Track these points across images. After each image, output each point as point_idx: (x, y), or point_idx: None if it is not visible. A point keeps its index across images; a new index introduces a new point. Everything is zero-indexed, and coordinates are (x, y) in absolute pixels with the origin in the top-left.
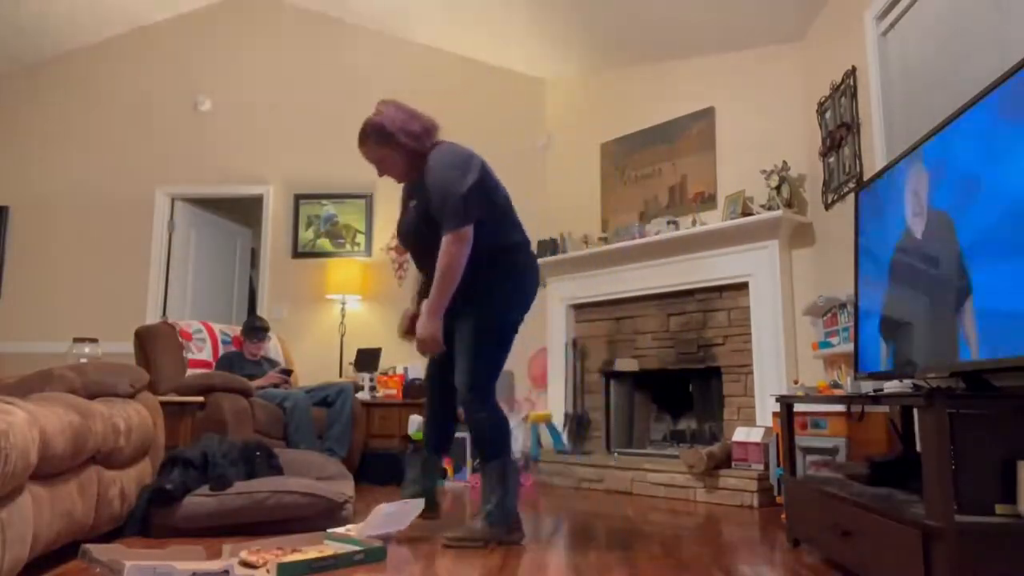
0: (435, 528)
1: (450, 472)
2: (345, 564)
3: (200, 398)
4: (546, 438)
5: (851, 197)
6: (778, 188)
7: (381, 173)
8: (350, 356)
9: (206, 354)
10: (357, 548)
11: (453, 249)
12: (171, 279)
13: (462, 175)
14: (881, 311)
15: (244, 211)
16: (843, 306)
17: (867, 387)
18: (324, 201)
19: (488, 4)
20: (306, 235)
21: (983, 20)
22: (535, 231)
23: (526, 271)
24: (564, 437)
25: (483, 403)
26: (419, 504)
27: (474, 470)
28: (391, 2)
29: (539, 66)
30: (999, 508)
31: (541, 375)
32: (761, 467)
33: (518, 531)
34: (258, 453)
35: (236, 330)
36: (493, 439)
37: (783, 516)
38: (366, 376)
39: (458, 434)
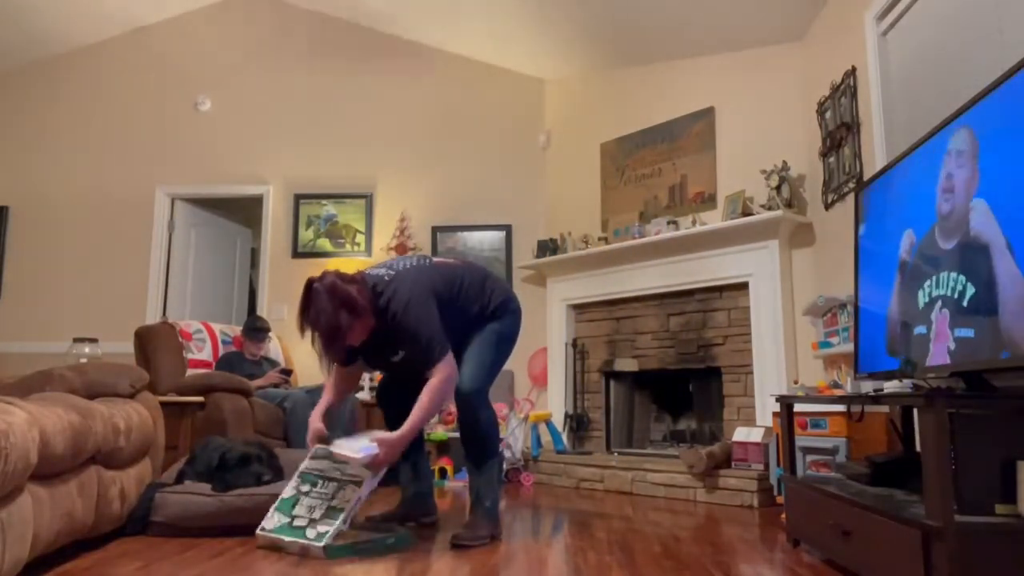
0: (434, 528)
1: (450, 472)
2: (380, 547)
3: (200, 398)
4: (546, 438)
5: (851, 197)
6: (778, 188)
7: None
8: None
9: (206, 354)
10: (388, 534)
11: (446, 381)
12: (171, 279)
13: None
14: (881, 311)
15: (244, 211)
16: (843, 306)
17: (867, 387)
18: (324, 201)
19: (489, 4)
20: (306, 235)
21: (983, 19)
22: (535, 231)
23: (519, 313)
24: (564, 437)
25: (485, 402)
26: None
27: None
28: (391, 2)
29: (539, 66)
30: (999, 508)
31: (541, 375)
32: (761, 467)
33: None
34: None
35: (236, 330)
36: (493, 436)
37: (783, 516)
38: (366, 376)
39: (456, 434)
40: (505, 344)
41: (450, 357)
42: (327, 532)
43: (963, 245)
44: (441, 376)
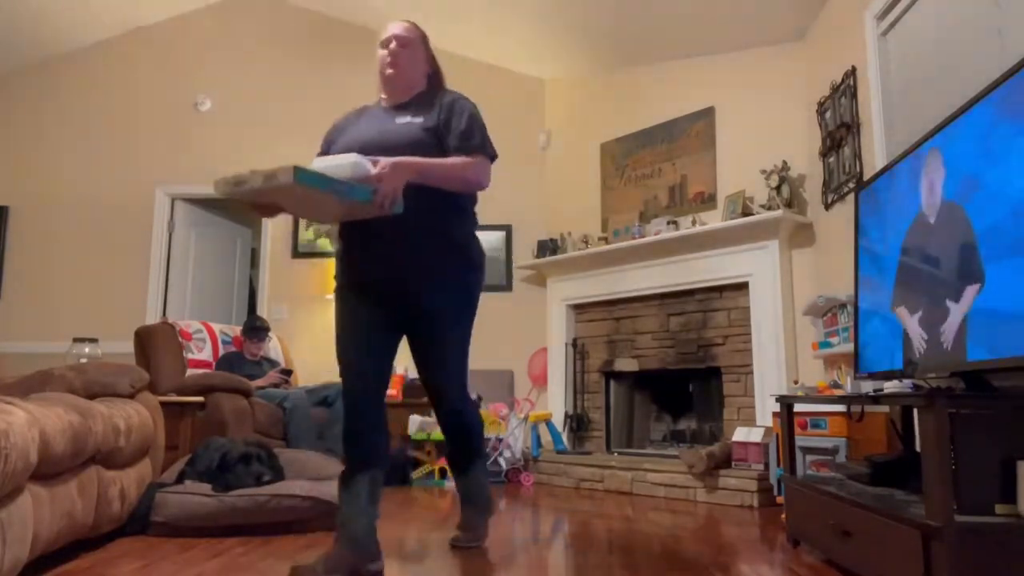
0: (429, 531)
1: (450, 472)
2: (345, 192)
3: (200, 398)
4: (546, 438)
5: (851, 197)
6: (778, 188)
7: (393, 66)
8: None
9: (206, 354)
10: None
11: (480, 169)
12: (171, 279)
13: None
14: (882, 311)
15: (244, 211)
16: (843, 306)
17: (867, 387)
18: None
19: (488, 4)
20: (306, 235)
21: (983, 20)
22: (535, 231)
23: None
24: (564, 437)
25: (469, 402)
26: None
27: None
28: (391, 2)
29: (539, 66)
30: (999, 508)
31: (541, 375)
32: (761, 467)
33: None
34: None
35: (236, 330)
36: (479, 435)
37: (783, 516)
38: None
39: None
40: (473, 314)
41: (489, 174)
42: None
43: (947, 241)
44: (479, 167)
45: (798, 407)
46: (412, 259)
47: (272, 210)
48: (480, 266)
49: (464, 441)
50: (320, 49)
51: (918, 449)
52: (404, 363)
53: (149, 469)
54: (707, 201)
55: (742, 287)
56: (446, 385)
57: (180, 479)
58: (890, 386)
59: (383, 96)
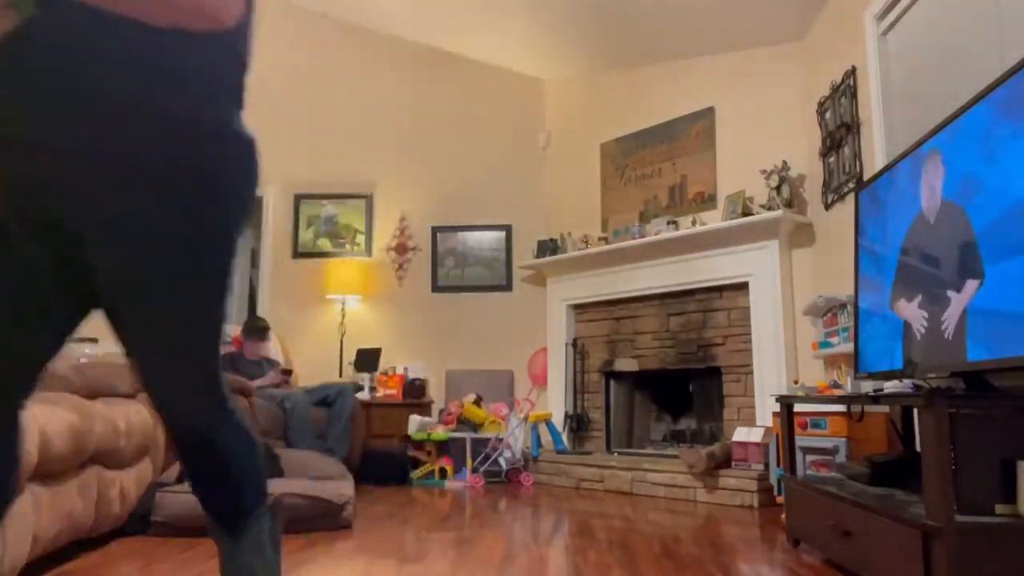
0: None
1: (450, 472)
2: None
3: None
4: (546, 438)
5: (851, 197)
6: (778, 188)
7: None
8: (350, 356)
9: None
10: None
11: None
12: None
13: None
14: (882, 310)
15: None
16: (843, 306)
17: (867, 387)
18: (324, 201)
19: (488, 4)
20: (306, 235)
21: (983, 20)
22: (535, 231)
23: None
24: (564, 437)
25: (227, 409)
26: None
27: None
28: (391, 2)
29: (539, 66)
30: (999, 508)
31: (541, 375)
32: (761, 467)
33: None
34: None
35: (236, 330)
36: (256, 470)
37: (783, 516)
38: (366, 376)
39: (456, 434)
40: (224, 262)
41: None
42: None
43: (947, 241)
44: None
45: (798, 407)
46: (80, 153)
47: None
48: (240, 178)
49: (221, 482)
50: (320, 49)
51: (918, 449)
52: (404, 362)
53: (149, 469)
54: (707, 201)
55: (742, 287)
56: (166, 386)
57: (180, 479)
58: (890, 386)
59: None
